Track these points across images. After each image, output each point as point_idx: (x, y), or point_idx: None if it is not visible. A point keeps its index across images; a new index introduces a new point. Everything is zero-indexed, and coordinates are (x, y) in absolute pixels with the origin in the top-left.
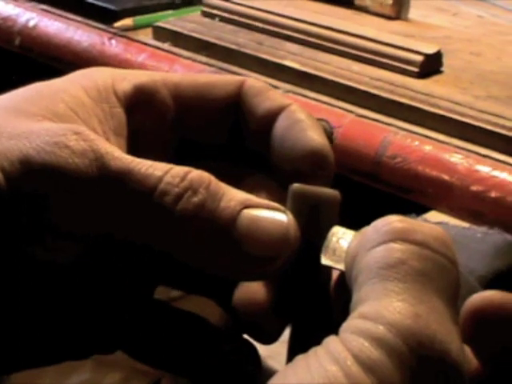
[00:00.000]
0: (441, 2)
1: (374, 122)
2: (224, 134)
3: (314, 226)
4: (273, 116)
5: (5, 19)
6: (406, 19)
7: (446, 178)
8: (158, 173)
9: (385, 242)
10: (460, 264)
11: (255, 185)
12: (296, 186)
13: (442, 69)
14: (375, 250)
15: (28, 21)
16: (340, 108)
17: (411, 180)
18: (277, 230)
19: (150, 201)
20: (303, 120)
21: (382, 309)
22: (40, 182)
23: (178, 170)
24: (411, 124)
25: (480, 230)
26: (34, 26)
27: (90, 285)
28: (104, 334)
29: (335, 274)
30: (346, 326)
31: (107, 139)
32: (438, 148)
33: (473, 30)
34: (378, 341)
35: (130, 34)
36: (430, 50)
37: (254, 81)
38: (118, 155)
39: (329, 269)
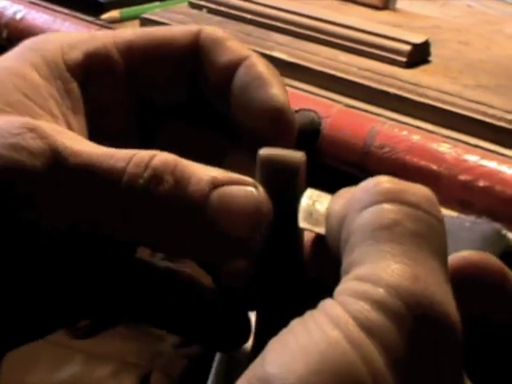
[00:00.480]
0: None
1: (362, 112)
2: (183, 91)
3: (284, 191)
4: (231, 69)
5: None
6: (394, 9)
7: (434, 167)
8: (121, 164)
9: (377, 202)
10: (449, 253)
11: (221, 150)
12: (263, 152)
13: (430, 58)
14: (367, 210)
15: (15, 13)
16: (328, 98)
17: (399, 170)
18: (249, 206)
19: (116, 194)
20: (262, 74)
21: (380, 271)
22: (3, 183)
23: (141, 156)
24: (399, 114)
25: (468, 220)
26: (21, 19)
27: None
28: (96, 297)
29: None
30: (341, 289)
31: (66, 121)
32: (426, 138)
33: (462, 20)
34: (378, 303)
35: (117, 26)
36: (418, 39)
37: (211, 29)
38: (77, 150)
39: (301, 235)
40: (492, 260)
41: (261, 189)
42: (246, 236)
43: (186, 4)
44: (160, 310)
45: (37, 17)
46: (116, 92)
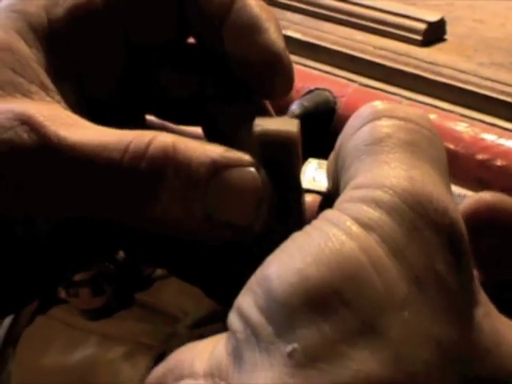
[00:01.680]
0: None
1: (378, 91)
2: (172, 29)
3: (283, 165)
4: (225, 7)
5: None
6: None
7: (451, 146)
8: (116, 155)
9: (368, 121)
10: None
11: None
12: (258, 127)
13: (446, 36)
14: (360, 130)
15: None
16: (343, 77)
17: None
18: (250, 193)
19: (113, 187)
20: (254, 17)
21: (376, 176)
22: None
23: (137, 145)
24: (415, 93)
25: None
26: None
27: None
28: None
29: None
30: (339, 201)
31: (58, 88)
32: (442, 116)
33: None
34: (376, 202)
35: None
36: (433, 17)
37: None
38: (71, 142)
39: (303, 205)
40: (508, 200)
41: (261, 171)
42: (247, 223)
43: None
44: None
45: None
46: (103, 43)
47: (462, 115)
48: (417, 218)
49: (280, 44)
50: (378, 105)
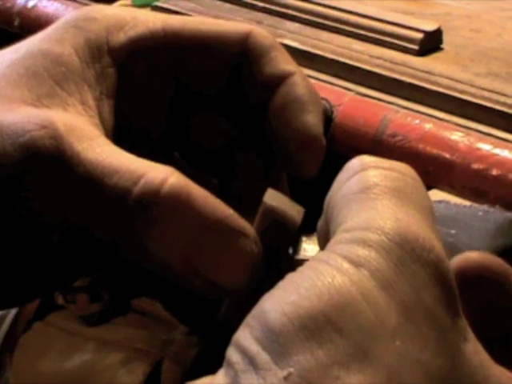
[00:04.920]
0: None
1: (375, 101)
2: (223, 86)
3: (280, 245)
4: (273, 84)
5: (4, 0)
6: None
7: (447, 156)
8: (126, 183)
9: (356, 172)
10: (462, 242)
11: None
12: (268, 201)
13: (442, 46)
14: (348, 182)
15: (27, 1)
16: (340, 86)
17: (412, 158)
18: (244, 264)
19: (117, 212)
20: (302, 98)
21: (364, 219)
22: (14, 183)
23: (150, 181)
24: (411, 102)
25: (481, 209)
26: (33, 7)
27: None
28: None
29: None
30: (330, 244)
31: (97, 106)
32: (438, 126)
33: (473, 7)
34: (364, 242)
35: None
36: (430, 27)
37: (260, 34)
38: (84, 158)
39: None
40: (495, 260)
41: (259, 245)
42: (232, 287)
43: None
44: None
45: (48, 5)
46: (154, 78)
47: (458, 125)
48: (404, 254)
49: (320, 129)
50: (365, 158)
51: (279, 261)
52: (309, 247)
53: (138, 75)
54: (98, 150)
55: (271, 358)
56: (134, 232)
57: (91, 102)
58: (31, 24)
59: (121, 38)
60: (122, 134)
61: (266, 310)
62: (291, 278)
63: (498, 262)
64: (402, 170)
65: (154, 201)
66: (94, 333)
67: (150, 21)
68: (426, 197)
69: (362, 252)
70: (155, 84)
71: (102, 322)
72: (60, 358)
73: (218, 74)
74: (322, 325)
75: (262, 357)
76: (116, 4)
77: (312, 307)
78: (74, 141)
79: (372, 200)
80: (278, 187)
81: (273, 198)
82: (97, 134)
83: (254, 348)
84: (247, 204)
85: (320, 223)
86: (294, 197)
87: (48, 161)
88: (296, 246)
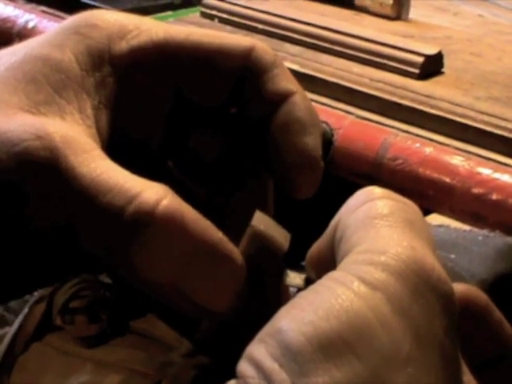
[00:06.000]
0: (441, 1)
1: (375, 124)
2: (224, 97)
3: (265, 270)
4: (274, 102)
5: (4, 20)
6: (407, 19)
7: (447, 180)
8: (119, 202)
9: (371, 200)
10: (461, 267)
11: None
12: (256, 225)
13: (443, 70)
14: (362, 207)
15: (27, 22)
16: (340, 110)
17: (412, 182)
18: (230, 289)
19: (107, 228)
20: (301, 119)
21: (381, 244)
22: (7, 189)
23: (145, 202)
24: (412, 126)
25: (481, 233)
26: (33, 28)
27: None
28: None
29: None
30: (344, 263)
31: (95, 116)
32: (438, 150)
33: (473, 30)
34: (382, 265)
35: None
36: (431, 51)
37: (262, 50)
38: (78, 173)
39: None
40: (478, 293)
41: (245, 271)
42: (216, 310)
43: (197, 14)
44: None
45: (48, 26)
46: (153, 88)
47: (458, 149)
48: (420, 282)
49: (318, 151)
50: (376, 188)
51: (264, 285)
52: (293, 273)
53: (137, 85)
54: (93, 164)
55: (288, 376)
56: (123, 249)
57: (89, 111)
58: None
59: (122, 46)
60: (118, 143)
61: (284, 329)
62: (308, 298)
63: (481, 296)
64: (410, 204)
65: (147, 221)
66: (92, 354)
67: (152, 31)
68: (430, 231)
69: (380, 275)
70: (155, 94)
71: (100, 343)
72: (58, 380)
73: (218, 88)
74: (340, 347)
75: (280, 374)
76: None
77: (330, 329)
78: (69, 154)
79: (388, 227)
80: (264, 203)
81: (261, 221)
82: (93, 146)
83: (270, 364)
84: (234, 219)
85: (319, 246)
86: (288, 216)
87: (42, 171)
88: (281, 271)
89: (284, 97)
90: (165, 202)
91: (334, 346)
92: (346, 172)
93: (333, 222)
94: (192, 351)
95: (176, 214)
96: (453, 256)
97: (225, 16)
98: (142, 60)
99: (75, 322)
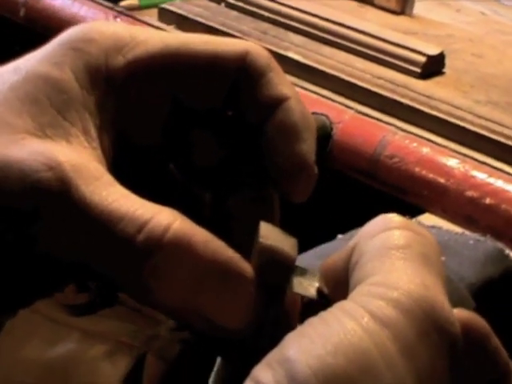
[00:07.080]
0: None
1: (374, 121)
2: (220, 99)
3: (277, 282)
4: (269, 107)
5: None
6: (411, 14)
7: (442, 181)
8: (130, 230)
9: (388, 229)
10: (451, 270)
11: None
12: (263, 239)
13: (444, 70)
14: (379, 235)
15: None
16: (340, 103)
17: (407, 181)
18: (243, 307)
19: (121, 256)
20: (295, 125)
21: (395, 279)
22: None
23: (154, 229)
24: (410, 124)
25: (472, 237)
26: None
27: None
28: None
29: None
30: (356, 292)
31: (99, 135)
32: (435, 151)
33: (475, 28)
34: (393, 302)
35: (136, 14)
36: (433, 51)
37: (256, 54)
38: (89, 203)
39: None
40: (479, 321)
41: (257, 286)
42: (231, 327)
43: None
44: None
45: None
46: (151, 97)
47: (455, 151)
48: (428, 322)
49: (312, 157)
50: (395, 217)
51: (277, 297)
52: (306, 282)
53: (134, 95)
54: (104, 192)
55: None
56: (136, 273)
57: (93, 132)
58: (36, 15)
59: (119, 61)
60: (120, 153)
61: (292, 359)
62: (317, 329)
63: (482, 323)
64: (428, 237)
65: (158, 246)
66: (79, 323)
67: (148, 42)
68: (442, 262)
69: (390, 312)
70: (152, 102)
71: (87, 313)
72: (44, 346)
73: (215, 92)
74: (345, 383)
75: None
76: (123, 3)
77: (337, 365)
78: (80, 184)
79: (403, 260)
80: (271, 206)
81: (268, 234)
82: (101, 171)
83: None
84: (240, 221)
85: (335, 262)
86: (286, 208)
87: (54, 202)
88: (291, 280)
89: (278, 102)
90: (174, 227)
91: (339, 381)
92: (344, 166)
93: (351, 244)
94: (178, 326)
95: (185, 238)
96: (443, 258)
97: (231, 1)
98: (138, 72)
99: (64, 290)
